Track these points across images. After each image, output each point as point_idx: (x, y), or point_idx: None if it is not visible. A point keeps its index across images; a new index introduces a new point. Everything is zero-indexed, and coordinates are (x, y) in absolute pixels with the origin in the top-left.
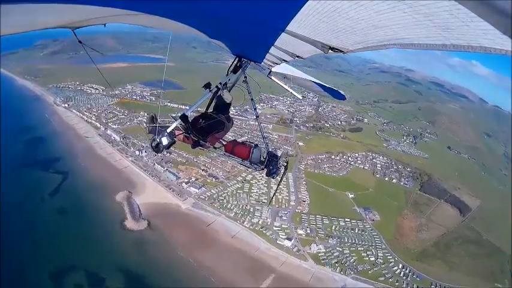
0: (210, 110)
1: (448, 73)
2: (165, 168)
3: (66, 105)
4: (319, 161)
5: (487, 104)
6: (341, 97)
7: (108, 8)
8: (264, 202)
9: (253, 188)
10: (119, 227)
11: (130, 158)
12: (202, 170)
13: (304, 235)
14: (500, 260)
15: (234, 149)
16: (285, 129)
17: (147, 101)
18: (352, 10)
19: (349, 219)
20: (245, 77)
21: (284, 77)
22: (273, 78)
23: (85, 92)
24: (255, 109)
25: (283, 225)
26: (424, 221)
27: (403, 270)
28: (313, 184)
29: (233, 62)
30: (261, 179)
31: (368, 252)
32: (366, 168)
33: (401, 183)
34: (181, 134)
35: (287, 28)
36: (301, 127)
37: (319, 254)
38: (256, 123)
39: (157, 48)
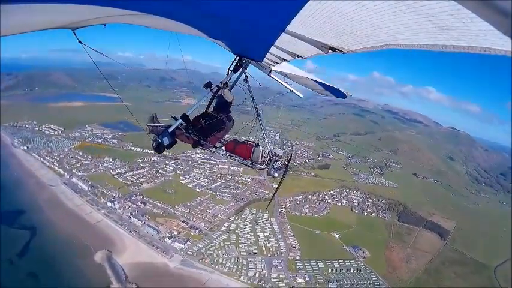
0: (211, 109)
1: (399, 100)
2: (143, 222)
3: (25, 147)
4: (298, 202)
5: (442, 127)
6: (342, 95)
7: (108, 8)
8: (254, 252)
9: (240, 238)
10: None
11: (102, 211)
12: (183, 221)
13: (304, 283)
14: (487, 275)
15: (235, 148)
16: (256, 171)
17: (110, 145)
18: (353, 11)
19: (342, 260)
20: (246, 76)
21: (285, 75)
22: (273, 77)
23: (43, 133)
24: (256, 108)
25: (280, 276)
26: (410, 250)
27: None
28: (298, 228)
29: (233, 61)
30: (246, 228)
31: None
32: (344, 205)
33: (380, 216)
34: (182, 133)
35: (287, 28)
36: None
37: None
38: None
39: (113, 86)
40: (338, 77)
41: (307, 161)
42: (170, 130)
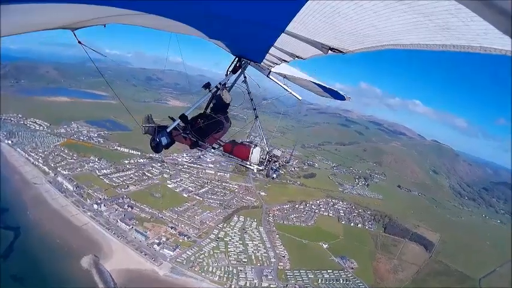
0: (209, 110)
1: (383, 111)
2: (131, 226)
3: (10, 141)
4: (285, 211)
5: (426, 140)
6: (341, 97)
7: (108, 8)
8: (244, 261)
9: (229, 246)
10: None
11: (88, 213)
12: (171, 227)
13: None
14: (472, 285)
15: (234, 149)
16: (243, 178)
17: (96, 143)
18: (352, 11)
19: (331, 271)
20: (245, 77)
21: (284, 77)
22: (272, 78)
23: (29, 128)
24: (255, 109)
25: (271, 285)
26: (397, 261)
27: None
28: (286, 237)
29: (232, 62)
30: (235, 236)
31: None
32: (331, 215)
33: (366, 227)
34: (179, 134)
35: (287, 29)
36: (258, 175)
37: None
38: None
39: (99, 83)
40: None
41: (292, 168)
42: (168, 130)
